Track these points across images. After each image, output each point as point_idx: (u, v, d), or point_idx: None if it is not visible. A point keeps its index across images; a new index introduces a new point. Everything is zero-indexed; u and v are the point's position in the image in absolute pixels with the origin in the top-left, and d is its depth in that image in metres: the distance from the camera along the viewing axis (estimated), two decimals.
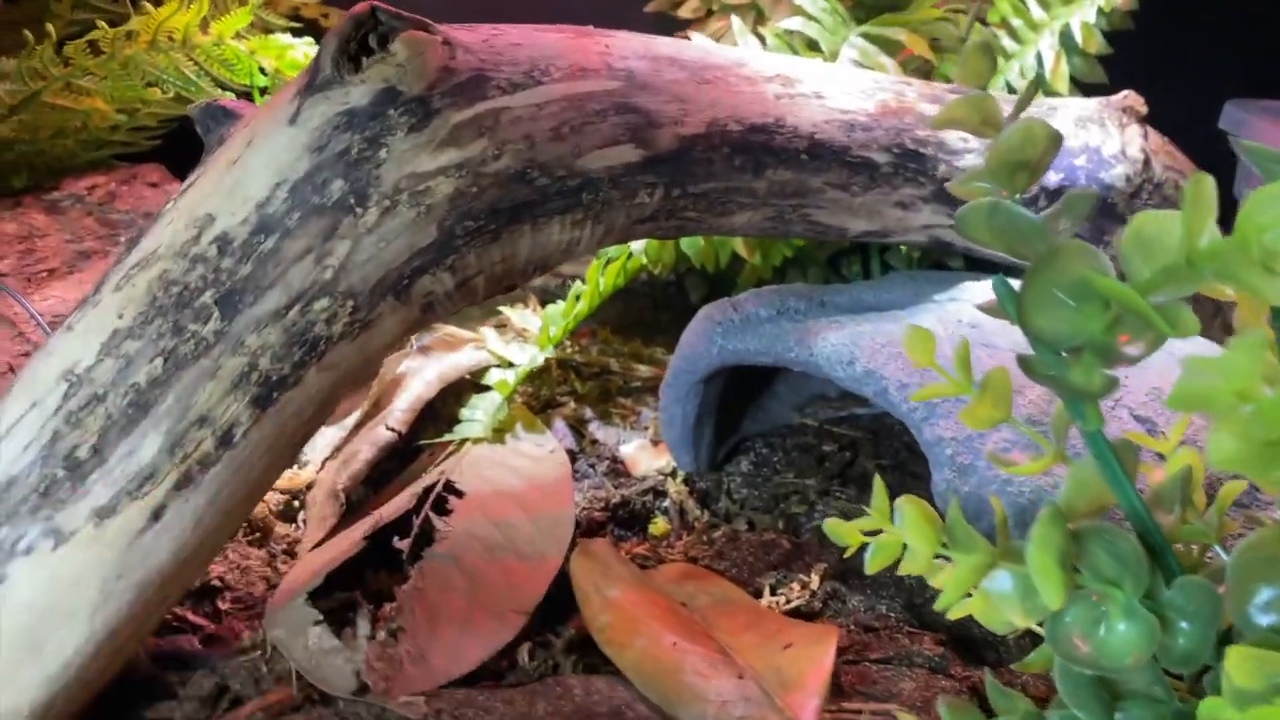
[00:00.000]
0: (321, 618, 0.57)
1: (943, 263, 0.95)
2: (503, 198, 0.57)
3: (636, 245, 0.86)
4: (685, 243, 0.85)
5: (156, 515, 0.51)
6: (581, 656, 0.59)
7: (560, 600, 0.65)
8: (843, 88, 0.70)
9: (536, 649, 0.60)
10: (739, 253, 0.86)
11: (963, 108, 0.49)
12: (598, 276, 0.86)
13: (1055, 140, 0.46)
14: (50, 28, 0.86)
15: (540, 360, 0.84)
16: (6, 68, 0.88)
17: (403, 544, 0.64)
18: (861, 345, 0.68)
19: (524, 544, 0.66)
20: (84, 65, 0.86)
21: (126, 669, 0.56)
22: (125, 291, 0.53)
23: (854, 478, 0.81)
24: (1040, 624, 0.48)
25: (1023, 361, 0.46)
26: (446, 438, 0.79)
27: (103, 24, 0.85)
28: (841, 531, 0.57)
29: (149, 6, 0.85)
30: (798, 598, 0.66)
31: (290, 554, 0.72)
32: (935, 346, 0.51)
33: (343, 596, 0.63)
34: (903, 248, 0.96)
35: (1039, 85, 0.51)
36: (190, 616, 0.63)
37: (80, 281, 0.83)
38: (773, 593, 0.68)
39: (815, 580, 0.67)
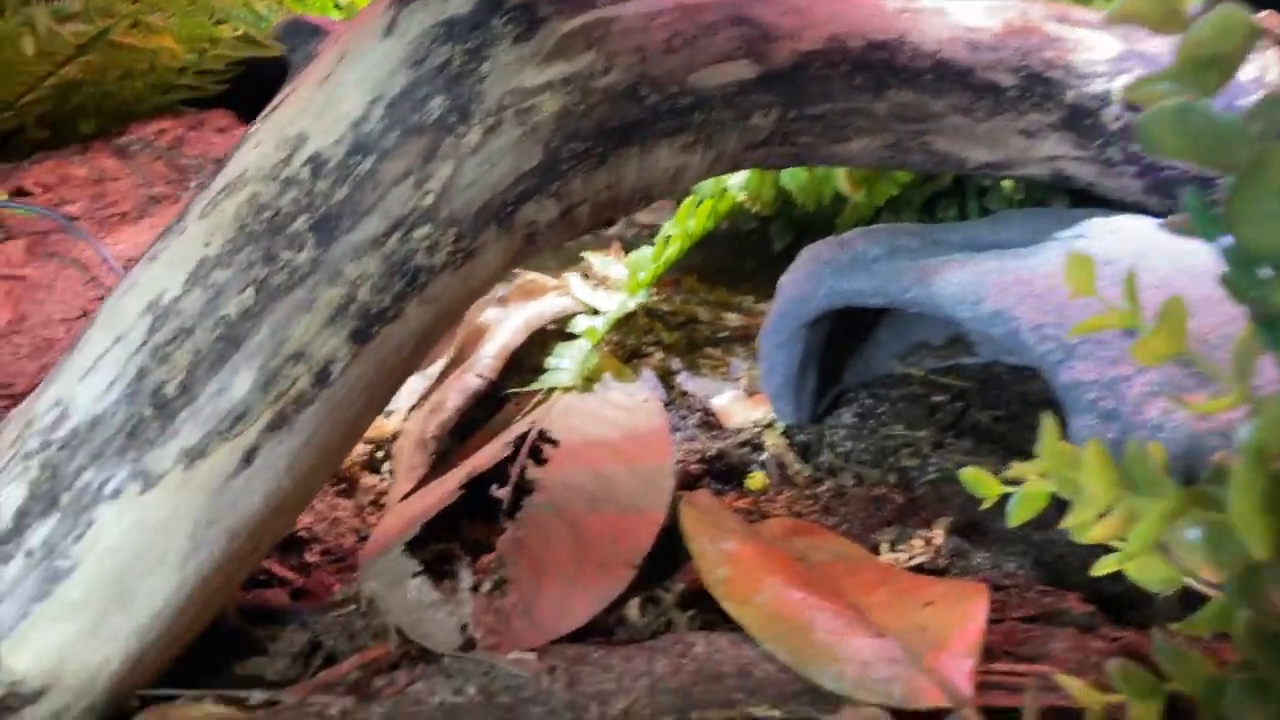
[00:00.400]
0: (421, 569, 0.54)
1: (1045, 204, 0.89)
2: (611, 116, 0.52)
3: (732, 181, 0.81)
4: (787, 177, 0.81)
5: (249, 458, 0.48)
6: (697, 612, 0.55)
7: (665, 555, 0.61)
8: (966, 3, 0.64)
9: (646, 604, 0.56)
10: (841, 190, 0.81)
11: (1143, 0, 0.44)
12: (688, 218, 0.81)
13: (1252, 32, 0.41)
14: None
15: (630, 306, 0.79)
16: (74, 7, 0.85)
17: (501, 493, 0.60)
18: (988, 283, 0.62)
19: (625, 496, 0.62)
20: (152, 1, 0.82)
21: (213, 623, 0.53)
22: (212, 218, 0.49)
23: (968, 429, 0.76)
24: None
25: (1225, 280, 0.41)
26: (533, 386, 0.76)
27: None
28: (980, 481, 0.53)
29: None
30: (921, 554, 0.62)
31: (378, 505, 0.69)
32: (1095, 277, 0.46)
33: (439, 548, 0.59)
34: (1006, 187, 0.90)
35: None
36: (278, 569, 0.60)
37: (151, 226, 0.80)
38: (891, 549, 0.63)
39: (939, 535, 0.63)
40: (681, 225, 0.80)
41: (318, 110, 0.49)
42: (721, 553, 0.53)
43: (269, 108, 0.51)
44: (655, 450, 0.67)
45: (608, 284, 0.85)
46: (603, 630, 0.54)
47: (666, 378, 0.83)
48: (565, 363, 0.77)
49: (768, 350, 0.72)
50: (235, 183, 0.49)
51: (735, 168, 0.61)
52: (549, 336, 0.81)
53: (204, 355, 0.47)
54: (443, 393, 0.73)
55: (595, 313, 0.81)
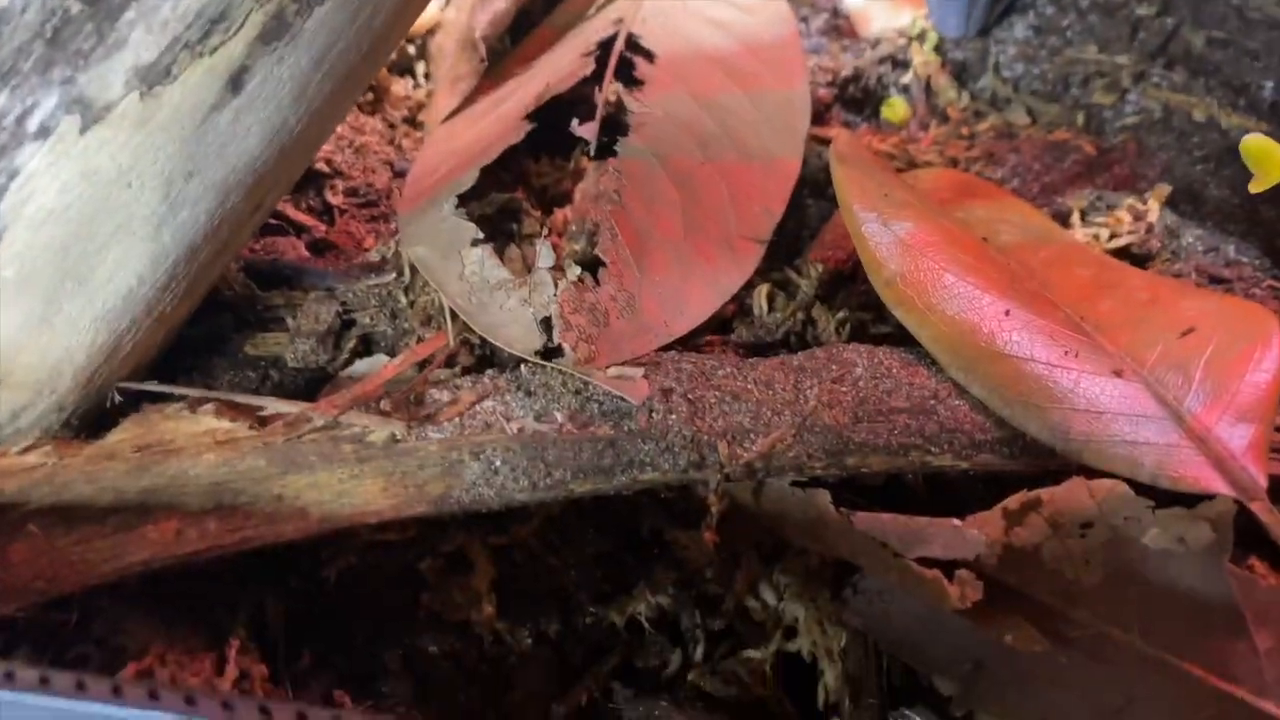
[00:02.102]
0: (481, 235, 0.40)
1: None
2: None
3: None
4: None
5: (235, 83, 0.32)
6: (845, 304, 0.42)
7: (793, 215, 0.47)
8: None
9: (777, 292, 0.42)
10: None
11: None
12: None
13: None
14: None
15: None
16: None
17: (585, 130, 0.45)
18: None
19: (747, 135, 0.46)
20: None
21: (212, 289, 0.40)
22: None
23: (1179, 56, 0.58)
24: None
25: None
26: None
27: None
28: (1266, 155, 0.38)
29: None
30: (1128, 232, 0.47)
31: (412, 123, 0.53)
32: None
33: (501, 199, 0.45)
34: None
35: None
36: (292, 213, 0.46)
37: None
38: (1084, 221, 0.49)
39: (1153, 208, 0.48)
40: None
41: None
42: (894, 239, 0.38)
43: None
44: (784, 69, 0.50)
45: None
46: (717, 326, 0.41)
47: None
48: None
49: None
50: None
51: None
52: None
53: None
54: None
55: None
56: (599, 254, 0.39)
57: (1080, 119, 0.55)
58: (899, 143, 0.55)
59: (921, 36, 0.59)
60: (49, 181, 0.32)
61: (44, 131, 0.32)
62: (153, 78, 0.31)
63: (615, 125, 0.45)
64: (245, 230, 0.37)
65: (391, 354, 0.41)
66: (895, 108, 0.58)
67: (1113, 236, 0.47)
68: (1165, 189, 0.49)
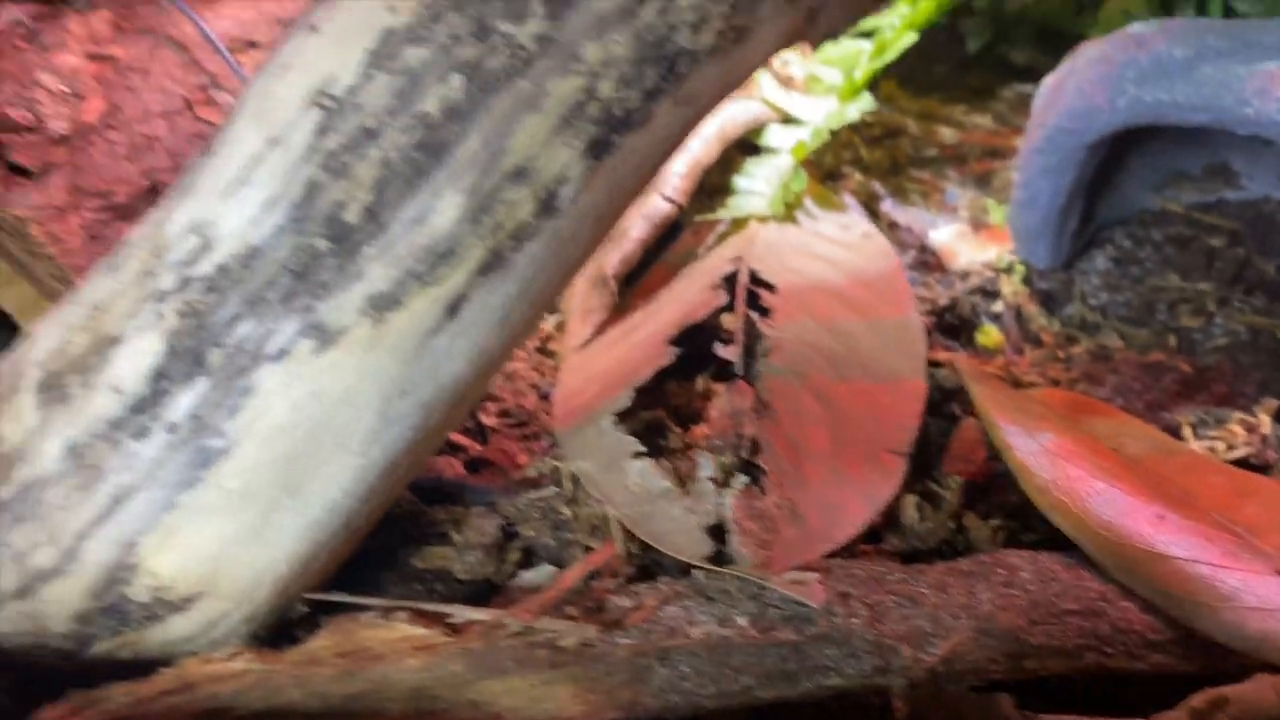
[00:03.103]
0: (643, 449, 0.42)
1: None
2: None
3: None
4: None
5: (453, 309, 0.35)
6: (996, 518, 0.44)
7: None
8: None
9: (923, 503, 0.44)
10: None
11: None
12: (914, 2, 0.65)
13: None
14: None
15: (850, 116, 0.65)
16: None
17: (728, 352, 0.48)
18: None
19: (871, 358, 0.49)
20: None
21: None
22: None
23: (1255, 282, 0.62)
24: None
25: None
26: (721, 214, 0.62)
27: None
28: None
29: None
30: (1243, 445, 0.49)
31: (545, 353, 0.57)
32: None
33: (647, 416, 0.47)
34: None
35: None
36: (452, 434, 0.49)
37: None
38: (1197, 436, 0.51)
39: (1264, 422, 0.50)
40: (912, 8, 0.64)
41: None
42: (1040, 449, 0.41)
43: None
44: (893, 299, 0.54)
45: (803, 87, 0.70)
46: (867, 537, 0.43)
47: (869, 204, 0.69)
48: (759, 184, 0.63)
49: (1031, 175, 0.58)
50: None
51: None
52: (732, 153, 0.67)
53: (395, 169, 0.34)
54: (623, 217, 0.59)
55: (790, 121, 0.67)
56: (760, 463, 0.42)
57: (1172, 341, 0.59)
58: (1001, 365, 0.58)
59: (1009, 269, 0.64)
60: (280, 400, 0.35)
61: (281, 354, 0.35)
62: (383, 305, 0.35)
63: (752, 349, 0.48)
64: (434, 446, 0.40)
65: (556, 564, 0.42)
66: (989, 334, 0.62)
67: (1229, 448, 0.49)
68: (1274, 403, 0.51)
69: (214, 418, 0.35)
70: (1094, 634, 0.36)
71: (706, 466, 0.42)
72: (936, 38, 0.93)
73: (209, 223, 0.35)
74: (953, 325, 0.62)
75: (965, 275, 0.65)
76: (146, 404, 0.35)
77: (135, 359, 0.35)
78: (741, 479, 0.41)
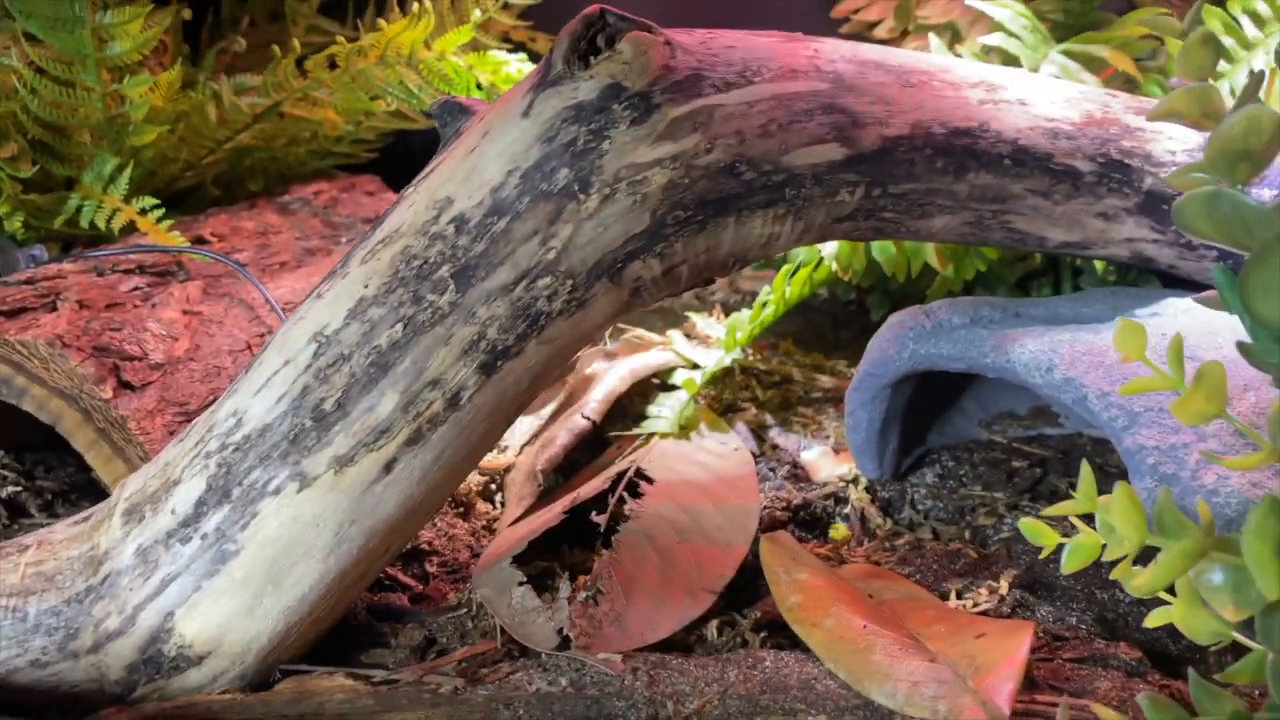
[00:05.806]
0: (525, 579, 0.61)
1: (1137, 285, 0.93)
2: (711, 190, 0.60)
3: (826, 250, 0.88)
4: (877, 250, 0.87)
5: (388, 468, 0.56)
6: (769, 636, 0.61)
7: (745, 587, 0.67)
8: (1047, 96, 0.70)
9: (724, 627, 0.62)
10: (930, 263, 0.86)
11: (1183, 99, 0.49)
12: (784, 284, 0.88)
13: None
14: (295, 42, 0.95)
15: (726, 362, 0.86)
16: (252, 82, 0.97)
17: (600, 519, 0.67)
18: (1061, 353, 0.67)
19: (712, 530, 0.68)
20: (320, 78, 0.94)
21: (345, 617, 0.61)
22: (371, 264, 0.58)
23: (1044, 494, 0.80)
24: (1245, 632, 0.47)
25: (1243, 348, 0.45)
26: (634, 431, 0.83)
27: (341, 39, 0.93)
28: (1039, 531, 0.57)
29: (382, 23, 0.92)
30: (985, 602, 0.66)
31: (489, 529, 0.76)
32: (1146, 343, 0.51)
33: (543, 565, 0.66)
34: (1098, 268, 0.95)
35: (1262, 80, 0.51)
36: (401, 576, 0.68)
37: (308, 274, 0.90)
38: (959, 597, 0.68)
39: (1004, 586, 0.67)
40: (779, 291, 0.86)
41: (463, 177, 0.58)
42: (795, 582, 0.58)
43: (422, 174, 0.60)
44: (743, 493, 0.73)
45: (709, 342, 0.92)
46: (683, 647, 0.60)
47: (759, 432, 0.89)
48: (665, 411, 0.84)
49: (853, 407, 0.78)
50: (391, 236, 0.58)
51: (823, 238, 0.67)
52: (651, 387, 0.89)
53: (357, 378, 0.56)
54: (553, 431, 0.80)
55: (695, 367, 0.88)
56: (600, 590, 0.60)
57: (969, 535, 0.76)
58: (835, 549, 0.75)
59: (856, 480, 0.82)
60: (273, 520, 0.55)
61: (277, 491, 0.55)
62: (343, 462, 0.55)
63: (621, 519, 0.67)
64: (376, 566, 0.59)
65: None
66: (838, 530, 0.79)
67: (975, 605, 0.66)
68: (1013, 572, 0.68)
69: (231, 530, 0.55)
70: (805, 700, 0.53)
71: (564, 589, 0.60)
72: (849, 308, 1.16)
73: (243, 410, 0.57)
74: (808, 520, 0.80)
75: (824, 484, 0.83)
76: (190, 521, 0.55)
77: (187, 493, 0.56)
78: (583, 594, 0.59)
